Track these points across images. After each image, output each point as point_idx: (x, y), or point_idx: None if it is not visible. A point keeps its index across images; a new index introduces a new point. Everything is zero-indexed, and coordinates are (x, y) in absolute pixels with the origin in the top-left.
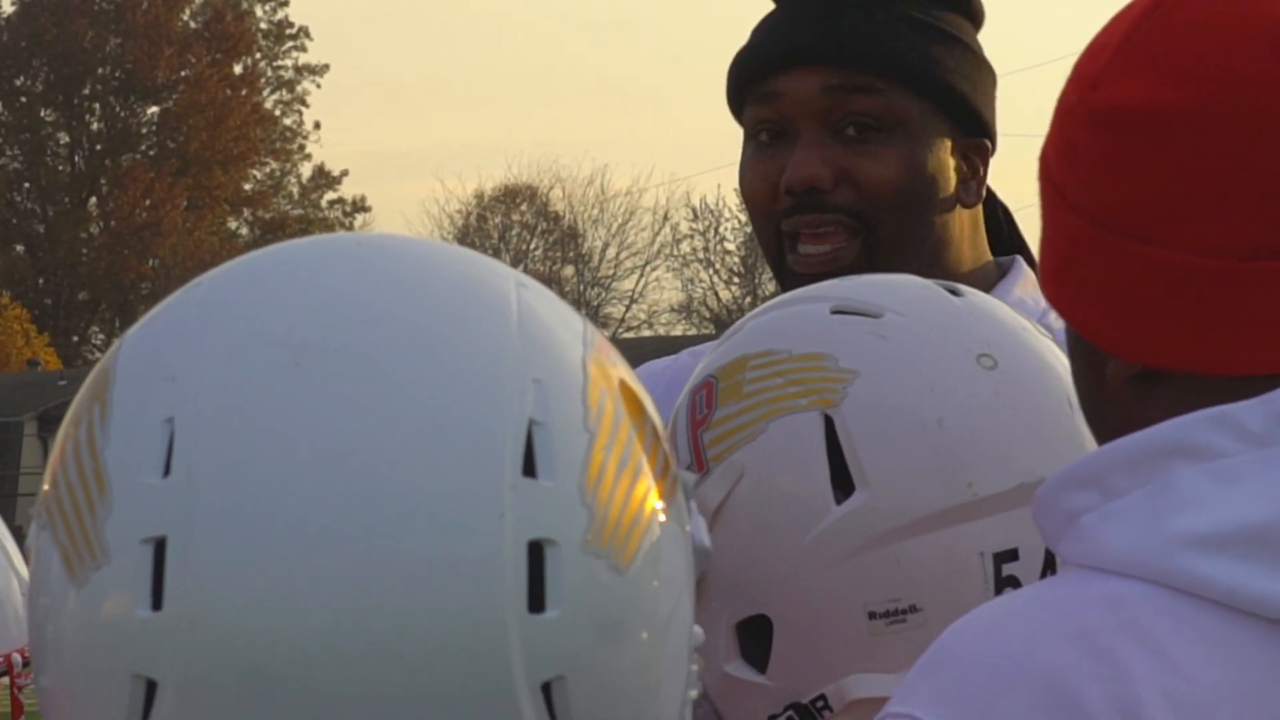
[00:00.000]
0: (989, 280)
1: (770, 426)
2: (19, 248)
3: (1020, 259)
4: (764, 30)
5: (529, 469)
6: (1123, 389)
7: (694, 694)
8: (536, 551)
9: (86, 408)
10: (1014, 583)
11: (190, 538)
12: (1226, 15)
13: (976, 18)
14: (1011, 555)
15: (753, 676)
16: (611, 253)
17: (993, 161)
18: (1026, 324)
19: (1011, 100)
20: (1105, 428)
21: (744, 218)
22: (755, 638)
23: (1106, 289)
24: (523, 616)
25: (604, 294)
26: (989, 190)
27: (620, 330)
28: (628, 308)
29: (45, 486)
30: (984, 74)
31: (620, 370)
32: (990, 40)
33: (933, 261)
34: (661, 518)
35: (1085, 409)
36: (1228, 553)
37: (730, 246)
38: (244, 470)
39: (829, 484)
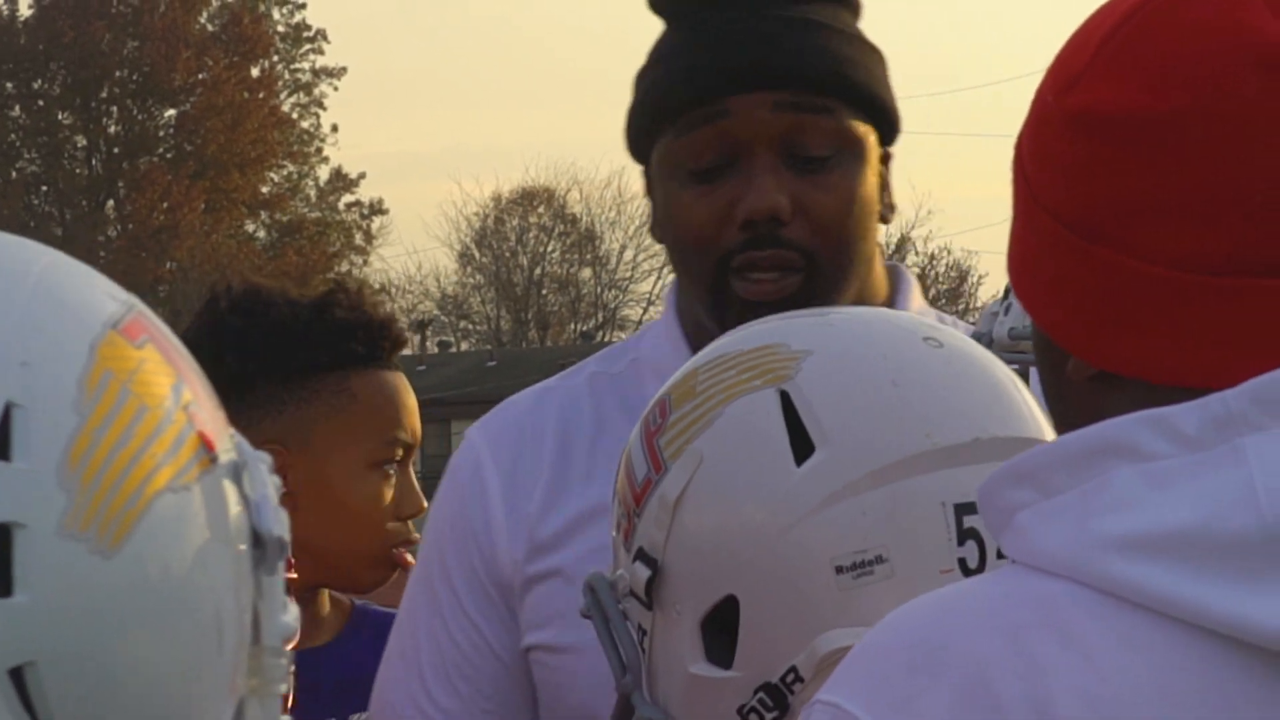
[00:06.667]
0: (887, 290)
1: (726, 410)
2: None
3: (902, 267)
4: (685, 55)
5: (3, 452)
6: (1083, 387)
7: (283, 689)
8: (5, 535)
9: None
10: (974, 535)
11: None
12: (1209, 25)
13: (856, 7)
14: (972, 508)
15: (719, 674)
16: (629, 255)
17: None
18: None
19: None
20: (1065, 424)
21: None
22: (720, 637)
23: (1070, 290)
24: None
25: (621, 296)
26: None
27: None
28: (645, 310)
29: None
30: (888, 72)
31: (151, 352)
32: (1004, 42)
33: (862, 284)
34: (176, 500)
35: (1049, 403)
36: (1153, 557)
37: None
38: None
39: (789, 449)
